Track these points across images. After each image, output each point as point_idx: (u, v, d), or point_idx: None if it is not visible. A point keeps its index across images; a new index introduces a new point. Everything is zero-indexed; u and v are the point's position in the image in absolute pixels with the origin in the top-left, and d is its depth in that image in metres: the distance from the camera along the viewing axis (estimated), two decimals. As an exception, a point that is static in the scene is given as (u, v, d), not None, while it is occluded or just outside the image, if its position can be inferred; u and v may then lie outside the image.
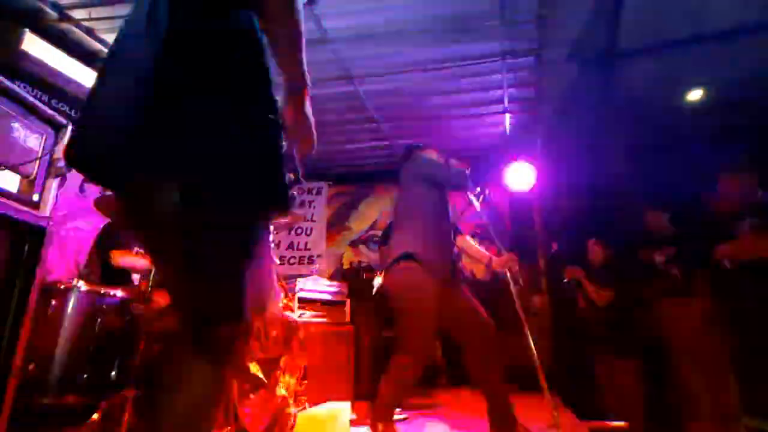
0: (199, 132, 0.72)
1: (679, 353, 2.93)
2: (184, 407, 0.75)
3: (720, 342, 2.72)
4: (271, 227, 0.90)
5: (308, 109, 0.94)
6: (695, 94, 4.16)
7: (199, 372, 0.76)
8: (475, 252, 2.39)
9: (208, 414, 0.80)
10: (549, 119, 4.01)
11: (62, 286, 1.91)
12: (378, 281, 2.89)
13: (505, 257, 2.31)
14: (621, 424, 2.30)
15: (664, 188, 3.37)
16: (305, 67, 0.90)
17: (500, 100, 3.81)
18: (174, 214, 0.73)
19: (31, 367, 1.68)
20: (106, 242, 2.54)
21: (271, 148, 0.80)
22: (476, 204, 2.50)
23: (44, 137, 1.51)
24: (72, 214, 3.19)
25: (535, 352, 2.26)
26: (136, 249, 2.47)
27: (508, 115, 4.01)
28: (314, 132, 0.97)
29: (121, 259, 2.46)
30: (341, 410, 2.71)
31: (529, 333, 2.31)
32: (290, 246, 5.25)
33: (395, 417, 2.23)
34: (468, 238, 2.42)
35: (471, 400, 3.17)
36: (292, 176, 0.90)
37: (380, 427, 1.99)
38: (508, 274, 2.35)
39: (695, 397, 2.86)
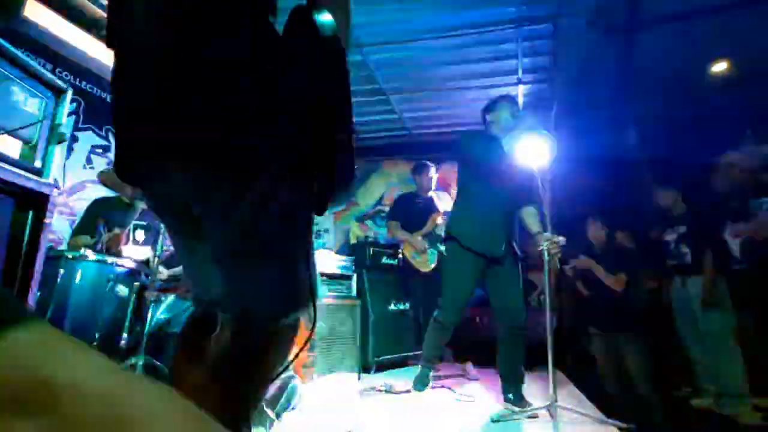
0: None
1: (686, 330, 2.92)
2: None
3: (728, 320, 2.70)
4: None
5: None
6: (719, 66, 3.98)
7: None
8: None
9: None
10: (564, 91, 3.87)
11: (70, 256, 1.91)
12: None
13: (548, 234, 2.24)
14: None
15: (680, 164, 3.26)
16: None
17: (514, 71, 3.67)
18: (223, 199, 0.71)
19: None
20: (99, 216, 2.49)
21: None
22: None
23: (45, 102, 1.46)
24: (79, 185, 3.19)
25: (549, 330, 2.20)
26: (132, 236, 2.43)
27: (521, 87, 3.87)
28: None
29: (116, 247, 2.42)
30: (347, 381, 2.75)
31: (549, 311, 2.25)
32: (297, 220, 5.23)
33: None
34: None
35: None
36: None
37: None
38: (546, 253, 2.24)
39: (701, 374, 2.86)
